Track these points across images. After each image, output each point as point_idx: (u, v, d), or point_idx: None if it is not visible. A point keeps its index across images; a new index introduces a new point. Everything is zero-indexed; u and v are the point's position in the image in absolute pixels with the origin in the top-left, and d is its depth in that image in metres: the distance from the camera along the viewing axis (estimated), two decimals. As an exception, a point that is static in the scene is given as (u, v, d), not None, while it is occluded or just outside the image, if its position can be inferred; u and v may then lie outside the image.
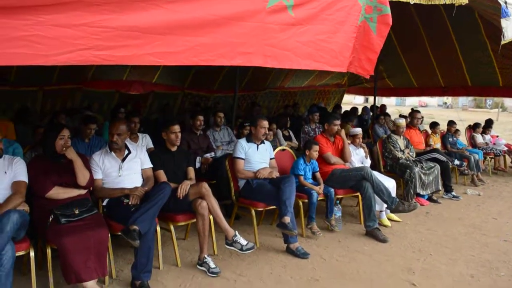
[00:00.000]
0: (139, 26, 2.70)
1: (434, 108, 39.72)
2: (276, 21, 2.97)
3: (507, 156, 9.61)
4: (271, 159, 4.89)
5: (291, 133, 7.45)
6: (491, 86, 10.63)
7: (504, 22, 5.35)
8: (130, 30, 2.68)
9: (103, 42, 2.57)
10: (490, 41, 8.56)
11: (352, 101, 31.36)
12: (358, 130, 5.74)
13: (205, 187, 3.94)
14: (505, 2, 5.34)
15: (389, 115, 9.60)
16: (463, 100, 41.91)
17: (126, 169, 3.96)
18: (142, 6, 2.69)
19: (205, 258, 3.84)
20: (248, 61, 2.90)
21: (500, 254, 4.50)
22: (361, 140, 5.70)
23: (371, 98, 19.29)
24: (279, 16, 3.00)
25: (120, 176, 3.92)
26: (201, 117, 5.87)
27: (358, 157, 5.58)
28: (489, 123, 9.86)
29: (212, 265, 3.80)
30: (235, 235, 3.86)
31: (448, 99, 43.00)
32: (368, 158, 5.70)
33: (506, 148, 9.40)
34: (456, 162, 7.23)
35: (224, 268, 3.86)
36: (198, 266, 3.87)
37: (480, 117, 11.06)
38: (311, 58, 3.04)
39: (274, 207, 4.56)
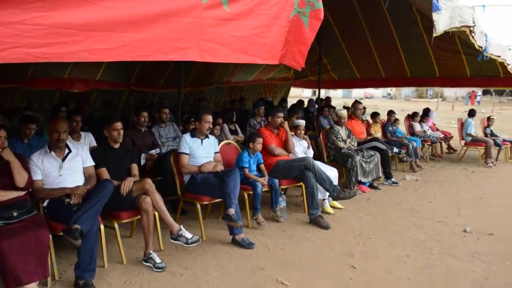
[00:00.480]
0: (73, 23, 2.67)
1: (379, 99, 41.08)
2: (211, 17, 3.02)
3: (443, 143, 10.18)
4: (215, 153, 4.94)
5: (237, 127, 7.53)
6: (428, 76, 11.18)
7: (435, 16, 5.64)
8: (64, 27, 2.64)
9: (36, 40, 2.53)
10: (426, 33, 8.96)
11: (300, 94, 31.89)
12: (301, 122, 5.90)
13: (149, 182, 3.94)
14: (437, -3, 5.63)
15: (333, 107, 9.88)
16: (406, 91, 43.60)
17: (67, 168, 3.89)
18: (76, 3, 2.66)
19: (151, 253, 3.86)
20: (185, 56, 2.93)
21: (434, 234, 4.80)
22: (303, 131, 5.86)
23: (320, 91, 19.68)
24: (214, 12, 3.05)
25: (61, 175, 3.84)
26: (145, 114, 5.83)
27: (302, 148, 5.75)
28: (426, 112, 10.38)
29: (157, 260, 3.82)
30: (180, 229, 3.89)
31: (392, 90, 44.61)
32: (311, 148, 5.88)
33: (442, 135, 9.94)
34: (395, 150, 7.59)
35: (170, 263, 3.89)
36: (144, 262, 3.88)
37: (421, 106, 11.63)
38: (244, 52, 3.11)
39: (219, 200, 4.63)
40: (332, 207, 5.53)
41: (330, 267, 3.92)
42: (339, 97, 33.44)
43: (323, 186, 5.11)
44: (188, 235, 3.88)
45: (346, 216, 5.39)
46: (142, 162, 5.30)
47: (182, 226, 3.93)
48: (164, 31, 2.89)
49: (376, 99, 42.14)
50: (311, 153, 5.80)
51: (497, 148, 9.60)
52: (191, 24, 2.96)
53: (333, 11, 9.48)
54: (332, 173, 5.40)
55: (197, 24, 2.95)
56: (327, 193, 5.27)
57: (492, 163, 9.09)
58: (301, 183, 5.25)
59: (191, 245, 3.89)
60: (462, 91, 38.79)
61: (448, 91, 40.44)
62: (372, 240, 4.59)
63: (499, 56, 7.86)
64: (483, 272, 3.88)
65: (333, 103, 12.11)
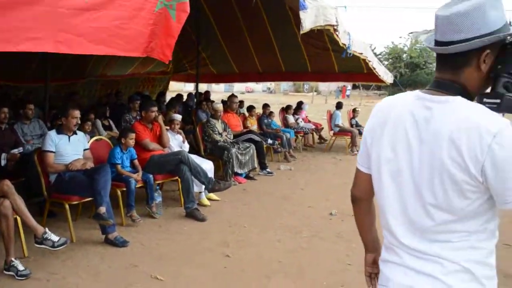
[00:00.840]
0: None
1: (260, 93, 42.35)
2: (67, 6, 2.85)
3: (314, 134, 10.87)
4: (85, 150, 4.71)
5: (111, 122, 7.26)
6: (301, 71, 11.79)
7: (302, 14, 5.97)
8: None
9: None
10: (298, 31, 9.40)
11: (182, 88, 31.61)
12: (176, 116, 5.89)
13: (7, 184, 3.63)
14: (303, -4, 5.96)
15: (212, 101, 9.97)
16: (284, 86, 45.56)
17: None
18: None
19: (12, 261, 3.56)
20: (38, 46, 2.73)
21: (303, 219, 5.12)
22: (178, 125, 5.86)
23: (202, 85, 19.60)
24: (71, 1, 2.89)
25: None
26: (5, 110, 5.36)
27: (177, 142, 5.74)
28: (299, 105, 10.98)
29: (20, 267, 3.53)
30: (45, 232, 3.65)
31: (272, 85, 46.28)
32: (186, 142, 5.90)
33: (313, 127, 10.61)
34: (270, 141, 7.93)
35: (36, 269, 3.62)
36: (5, 272, 3.56)
37: (298, 100, 12.28)
38: (104, 44, 3.00)
39: (90, 199, 4.43)
40: (209, 199, 5.61)
41: (205, 258, 3.99)
42: (221, 92, 33.80)
43: (198, 179, 5.17)
44: (54, 237, 3.66)
45: (222, 207, 5.51)
46: (3, 162, 4.87)
47: (47, 229, 3.69)
48: (13, 20, 2.67)
49: (257, 93, 43.38)
50: (186, 147, 5.82)
51: (361, 137, 10.49)
52: (44, 13, 2.77)
53: (212, 7, 9.56)
54: (207, 165, 5.48)
55: (51, 13, 2.77)
56: (203, 186, 5.33)
57: (357, 151, 9.90)
58: (177, 177, 5.24)
59: (58, 248, 3.67)
60: (334, 85, 41.63)
61: (322, 85, 43.10)
62: (246, 228, 4.76)
63: (362, 53, 8.57)
64: (345, 250, 4.24)
65: (215, 97, 12.23)
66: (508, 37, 1.27)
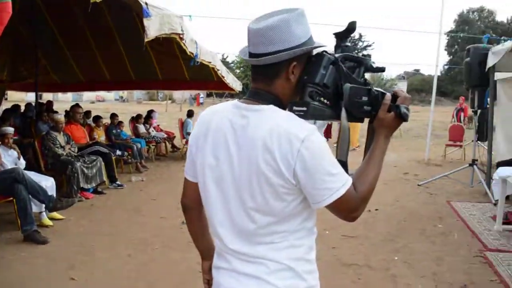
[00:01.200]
0: None
1: (112, 102, 40.66)
2: None
3: (167, 143, 10.80)
4: None
5: None
6: (152, 79, 11.61)
7: (146, 22, 5.88)
8: None
9: None
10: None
11: (24, 98, 28.75)
12: (8, 130, 5.36)
13: None
14: (146, 3, 5.87)
15: (55, 112, 9.26)
16: (137, 94, 44.36)
17: None
18: None
19: None
20: None
21: (155, 230, 5.04)
22: (11, 140, 5.31)
23: (45, 95, 17.98)
24: None
25: None
26: None
27: (11, 158, 5.20)
28: (150, 113, 10.82)
29: None
30: None
31: (124, 93, 44.70)
32: (22, 158, 5.38)
33: (165, 136, 10.54)
34: (118, 152, 7.65)
35: None
36: None
37: (153, 108, 12.01)
38: None
39: None
40: (52, 219, 5.17)
41: (47, 284, 3.67)
42: (69, 101, 31.58)
43: (37, 198, 4.75)
44: None
45: (67, 226, 5.13)
46: None
47: None
48: None
49: (109, 102, 41.51)
50: (22, 163, 5.29)
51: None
52: None
53: (51, 11, 8.88)
54: (48, 182, 5.08)
55: None
56: (43, 205, 4.91)
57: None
58: (11, 198, 4.73)
59: None
60: (188, 93, 41.84)
61: (177, 94, 42.99)
62: (94, 246, 4.50)
63: (210, 62, 8.74)
64: (196, 257, 4.10)
65: (61, 107, 11.35)
66: (312, 50, 1.40)
